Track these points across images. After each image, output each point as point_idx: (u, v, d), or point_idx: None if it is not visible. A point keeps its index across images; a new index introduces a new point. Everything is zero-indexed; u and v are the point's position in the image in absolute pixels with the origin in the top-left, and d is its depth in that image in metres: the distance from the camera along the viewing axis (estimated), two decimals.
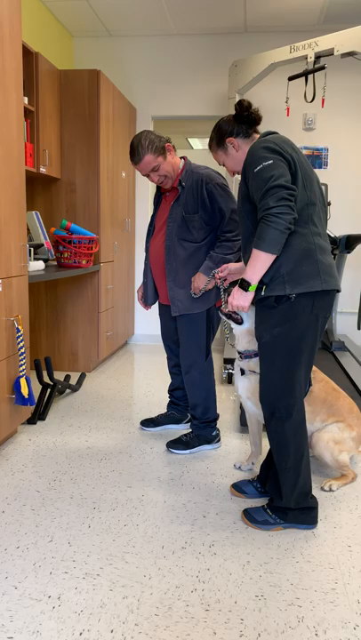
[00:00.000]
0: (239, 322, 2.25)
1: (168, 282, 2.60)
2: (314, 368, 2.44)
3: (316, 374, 2.43)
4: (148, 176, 2.54)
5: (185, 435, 2.76)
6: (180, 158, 2.61)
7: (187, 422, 3.04)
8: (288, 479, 1.98)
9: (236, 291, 1.92)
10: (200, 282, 2.53)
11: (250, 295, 1.91)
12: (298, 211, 1.85)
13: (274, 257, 1.82)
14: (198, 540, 1.93)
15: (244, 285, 1.89)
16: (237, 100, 4.28)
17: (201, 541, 1.93)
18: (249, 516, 2.05)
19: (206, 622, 1.52)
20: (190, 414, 2.79)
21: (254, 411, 2.38)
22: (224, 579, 1.72)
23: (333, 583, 1.71)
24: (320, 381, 2.42)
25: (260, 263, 1.83)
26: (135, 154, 2.46)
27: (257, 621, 1.53)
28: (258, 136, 2.09)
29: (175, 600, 1.62)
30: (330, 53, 3.69)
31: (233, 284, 2.39)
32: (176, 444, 2.71)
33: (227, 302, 2.34)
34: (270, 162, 1.80)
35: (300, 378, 1.94)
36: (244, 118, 2.05)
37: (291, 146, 1.90)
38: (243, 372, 2.34)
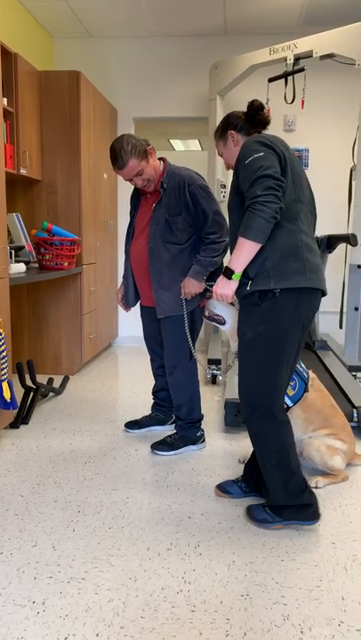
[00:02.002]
0: (222, 322, 2.26)
1: (153, 284, 2.59)
2: (312, 376, 2.45)
3: (315, 382, 2.44)
4: (130, 180, 2.51)
5: (169, 436, 2.75)
6: (159, 160, 2.60)
7: (171, 423, 3.04)
8: (274, 478, 1.97)
9: (221, 279, 1.91)
10: (192, 287, 2.53)
11: (233, 284, 1.89)
12: (286, 205, 1.86)
13: (259, 246, 1.82)
14: (184, 541, 1.93)
15: (228, 273, 1.88)
16: (218, 101, 4.31)
17: (186, 542, 1.93)
18: (250, 513, 2.06)
19: (192, 623, 1.52)
20: (175, 415, 2.78)
21: None
22: (210, 579, 1.72)
23: (318, 580, 1.72)
24: (318, 391, 2.42)
25: (245, 252, 1.82)
26: (118, 159, 2.42)
27: (243, 621, 1.53)
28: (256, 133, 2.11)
29: (161, 602, 1.61)
30: (309, 55, 3.73)
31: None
32: (160, 445, 2.71)
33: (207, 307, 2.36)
34: (261, 154, 1.82)
35: (282, 377, 1.94)
36: (252, 118, 2.07)
37: (284, 144, 1.93)
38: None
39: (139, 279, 2.71)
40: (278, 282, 1.84)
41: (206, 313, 2.30)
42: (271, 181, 1.77)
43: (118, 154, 2.42)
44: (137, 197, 2.71)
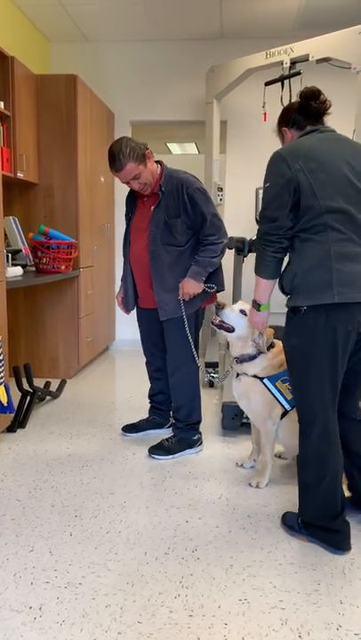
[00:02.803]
0: (230, 330, 2.37)
1: (155, 287, 2.60)
2: None
3: None
4: (127, 183, 2.52)
5: (166, 439, 2.75)
6: (156, 163, 2.61)
7: (169, 427, 3.03)
8: (306, 495, 1.92)
9: (251, 310, 2.12)
10: (191, 288, 2.54)
11: (263, 314, 2.07)
12: (308, 221, 1.82)
13: (272, 281, 1.95)
14: (181, 546, 1.92)
15: (256, 306, 2.06)
16: (215, 104, 4.32)
17: (184, 546, 1.92)
18: (285, 517, 2.06)
19: (190, 628, 1.52)
20: (173, 417, 2.78)
21: (247, 412, 2.46)
22: (207, 583, 1.72)
23: (316, 584, 1.71)
24: None
25: (261, 287, 1.98)
26: (116, 162, 2.42)
27: (241, 625, 1.53)
28: (312, 130, 1.95)
29: (158, 607, 1.60)
30: (305, 59, 3.74)
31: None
32: (157, 449, 2.70)
33: (217, 315, 2.42)
34: (268, 185, 1.87)
35: (316, 395, 1.85)
36: (304, 109, 1.96)
37: (306, 155, 1.82)
38: (238, 375, 2.43)
39: (139, 281, 2.71)
40: (304, 299, 1.82)
41: (216, 321, 2.38)
42: (267, 225, 1.86)
43: (117, 156, 2.42)
44: (133, 200, 2.71)
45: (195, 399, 2.73)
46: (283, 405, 2.34)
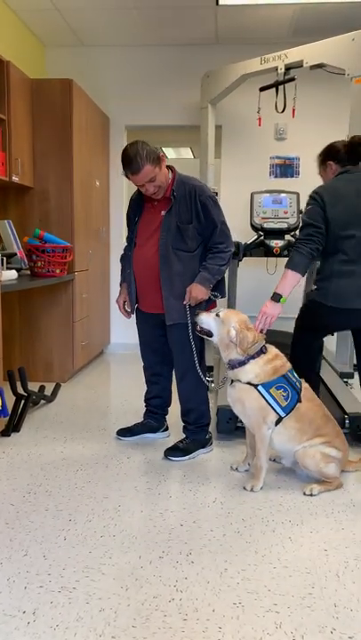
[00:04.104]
0: (210, 335, 2.45)
1: (164, 292, 2.60)
2: (305, 385, 2.46)
3: (307, 392, 2.44)
4: (142, 186, 2.51)
5: (181, 441, 2.77)
6: (168, 168, 2.61)
7: (164, 431, 3.03)
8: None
9: (269, 302, 2.46)
10: (199, 293, 2.56)
11: (279, 307, 2.45)
12: (328, 243, 2.49)
13: (298, 276, 2.44)
14: (175, 549, 1.92)
15: (276, 297, 2.44)
16: (209, 109, 4.34)
17: (178, 550, 1.92)
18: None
19: (184, 632, 1.51)
20: (183, 420, 2.80)
21: (242, 418, 2.48)
22: (202, 587, 1.71)
23: (310, 588, 1.72)
24: (310, 401, 2.42)
25: (288, 279, 2.45)
26: (133, 164, 2.41)
27: (235, 629, 1.53)
28: (345, 170, 2.58)
29: (153, 610, 1.60)
30: (299, 65, 3.77)
31: (207, 302, 2.66)
32: (173, 451, 2.72)
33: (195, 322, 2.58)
34: (309, 207, 2.53)
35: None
36: (352, 153, 2.57)
37: (334, 195, 2.49)
38: (232, 382, 2.43)
39: (144, 286, 2.70)
40: (317, 296, 2.58)
41: (197, 327, 2.48)
42: (310, 229, 2.46)
43: (134, 159, 2.40)
44: (139, 204, 2.70)
45: (204, 402, 2.76)
46: (277, 412, 2.34)
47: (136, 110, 5.01)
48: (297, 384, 2.41)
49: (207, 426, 2.80)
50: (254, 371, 2.36)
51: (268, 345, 2.43)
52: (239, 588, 1.71)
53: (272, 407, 2.33)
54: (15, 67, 3.61)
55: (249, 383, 2.35)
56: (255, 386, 2.34)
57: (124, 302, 2.83)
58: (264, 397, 2.33)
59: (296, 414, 2.37)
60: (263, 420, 2.35)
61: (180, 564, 1.83)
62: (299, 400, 2.37)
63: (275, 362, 2.39)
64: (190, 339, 2.64)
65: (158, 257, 2.59)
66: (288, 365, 2.44)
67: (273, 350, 2.44)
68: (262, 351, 2.39)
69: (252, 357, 2.37)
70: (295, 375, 2.44)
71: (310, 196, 2.56)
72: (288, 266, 2.45)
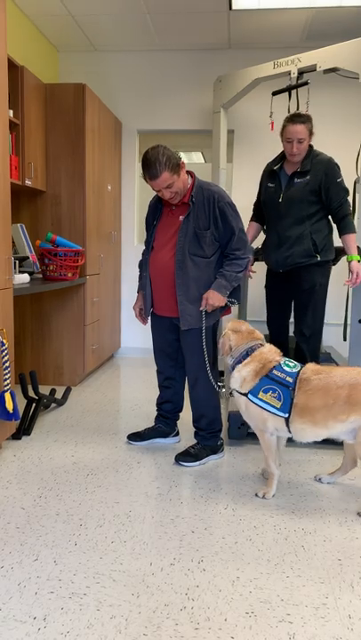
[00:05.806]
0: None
1: (179, 297, 2.60)
2: (305, 376, 2.26)
3: (303, 384, 2.25)
4: (159, 191, 2.52)
5: (192, 447, 2.76)
6: (187, 173, 2.61)
7: (174, 436, 3.02)
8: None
9: (355, 262, 2.95)
10: (216, 300, 2.56)
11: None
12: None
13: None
14: (187, 557, 1.90)
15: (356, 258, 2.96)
16: (222, 114, 4.33)
17: (190, 557, 1.90)
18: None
19: None
20: (195, 426, 2.79)
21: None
22: (214, 596, 1.69)
23: (324, 598, 1.69)
24: (311, 390, 2.22)
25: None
26: (152, 169, 2.42)
27: (247, 639, 1.50)
28: None
29: (164, 619, 1.58)
30: (312, 69, 3.75)
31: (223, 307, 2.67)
32: (184, 456, 2.71)
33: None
34: (341, 179, 3.01)
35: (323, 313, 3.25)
36: None
37: None
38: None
39: (160, 290, 2.69)
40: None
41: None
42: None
43: (153, 164, 2.42)
44: (158, 208, 2.71)
45: (216, 409, 2.75)
46: (277, 415, 2.26)
47: (148, 115, 5.02)
48: (288, 378, 2.25)
49: (219, 432, 2.79)
50: (239, 377, 2.34)
51: (262, 344, 2.39)
52: (251, 597, 1.69)
53: (270, 412, 2.26)
54: (29, 71, 3.63)
55: (238, 392, 2.34)
56: (245, 394, 2.32)
57: (140, 310, 2.83)
58: (257, 405, 2.29)
59: (296, 410, 2.22)
60: (263, 427, 2.31)
61: (192, 572, 1.81)
62: (292, 395, 2.23)
63: (251, 365, 2.31)
64: (203, 344, 2.64)
65: (175, 262, 2.58)
66: (273, 362, 2.30)
67: (256, 351, 2.34)
68: (248, 354, 2.34)
69: (239, 362, 2.36)
70: (286, 369, 2.29)
71: (337, 165, 3.04)
72: (353, 230, 2.96)
